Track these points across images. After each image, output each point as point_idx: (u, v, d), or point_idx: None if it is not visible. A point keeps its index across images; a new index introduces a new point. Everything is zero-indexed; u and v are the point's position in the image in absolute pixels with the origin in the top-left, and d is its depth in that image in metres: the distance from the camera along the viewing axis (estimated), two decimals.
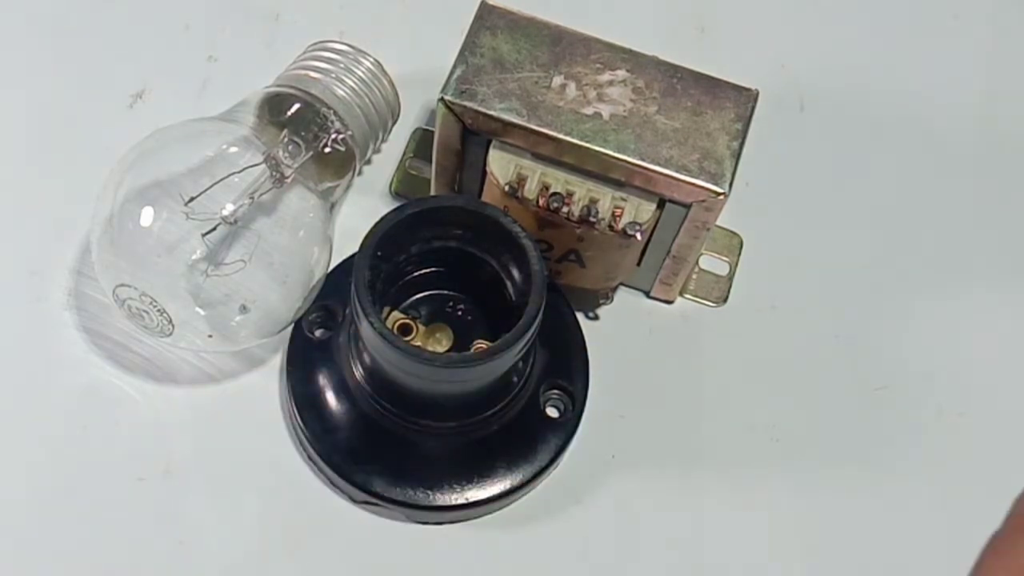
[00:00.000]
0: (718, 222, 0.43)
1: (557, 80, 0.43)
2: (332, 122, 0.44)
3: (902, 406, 0.47)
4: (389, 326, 0.40)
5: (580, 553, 0.43)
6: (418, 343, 0.43)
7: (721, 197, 0.41)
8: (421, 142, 0.50)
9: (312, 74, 0.45)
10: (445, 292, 0.45)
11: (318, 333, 0.45)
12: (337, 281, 0.44)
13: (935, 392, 0.47)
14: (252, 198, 0.42)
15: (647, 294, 0.48)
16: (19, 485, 0.43)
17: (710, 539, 0.44)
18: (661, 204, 0.42)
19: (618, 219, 0.42)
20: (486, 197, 0.44)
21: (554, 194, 0.42)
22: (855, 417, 0.47)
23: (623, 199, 0.42)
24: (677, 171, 0.41)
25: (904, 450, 0.46)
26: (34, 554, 0.41)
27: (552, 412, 0.45)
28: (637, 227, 0.42)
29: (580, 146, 0.41)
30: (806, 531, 0.44)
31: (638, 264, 0.46)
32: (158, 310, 0.41)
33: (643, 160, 0.41)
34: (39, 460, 0.43)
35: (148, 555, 0.42)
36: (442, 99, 0.42)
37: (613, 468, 0.45)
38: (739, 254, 0.49)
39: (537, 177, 0.42)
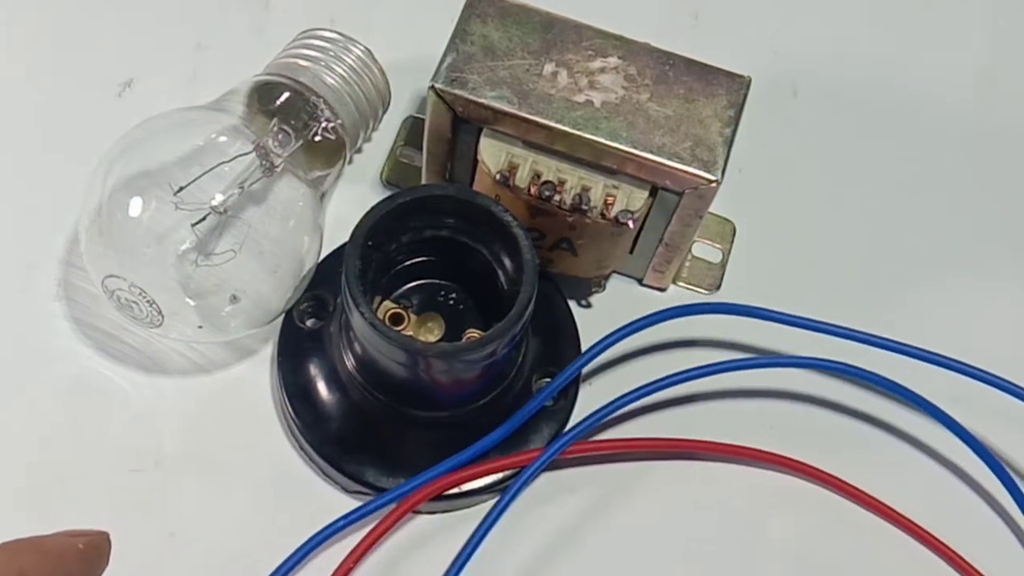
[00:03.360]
0: (711, 209, 0.43)
1: (548, 68, 0.42)
2: (322, 111, 0.44)
3: (896, 397, 0.47)
4: (380, 316, 0.40)
5: (577, 547, 0.43)
6: (409, 333, 0.42)
7: (714, 184, 0.41)
8: (412, 130, 0.50)
9: (302, 62, 0.45)
10: (437, 281, 0.44)
11: (309, 323, 0.45)
12: (328, 270, 0.44)
13: (930, 383, 0.47)
14: (242, 187, 0.42)
15: (640, 282, 0.48)
16: (9, 476, 0.42)
17: (708, 530, 0.44)
18: (653, 192, 0.42)
19: (610, 207, 0.42)
20: (477, 186, 0.44)
21: (546, 182, 0.42)
22: (849, 406, 0.47)
23: (615, 187, 0.42)
24: (669, 159, 0.41)
25: (898, 443, 0.46)
26: None
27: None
28: (629, 215, 0.42)
29: (572, 134, 0.41)
30: (804, 525, 0.44)
31: (630, 252, 0.46)
32: (147, 301, 0.41)
33: (635, 148, 0.41)
34: (29, 451, 0.43)
35: (138, 547, 0.41)
36: (433, 87, 0.42)
37: (607, 457, 0.45)
38: (732, 241, 0.49)
39: (528, 165, 0.42)
